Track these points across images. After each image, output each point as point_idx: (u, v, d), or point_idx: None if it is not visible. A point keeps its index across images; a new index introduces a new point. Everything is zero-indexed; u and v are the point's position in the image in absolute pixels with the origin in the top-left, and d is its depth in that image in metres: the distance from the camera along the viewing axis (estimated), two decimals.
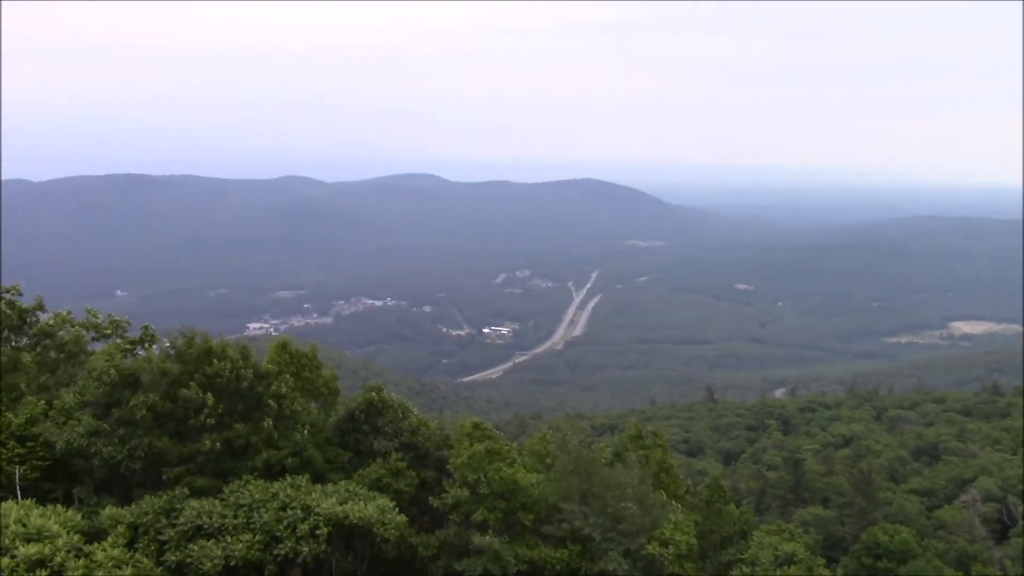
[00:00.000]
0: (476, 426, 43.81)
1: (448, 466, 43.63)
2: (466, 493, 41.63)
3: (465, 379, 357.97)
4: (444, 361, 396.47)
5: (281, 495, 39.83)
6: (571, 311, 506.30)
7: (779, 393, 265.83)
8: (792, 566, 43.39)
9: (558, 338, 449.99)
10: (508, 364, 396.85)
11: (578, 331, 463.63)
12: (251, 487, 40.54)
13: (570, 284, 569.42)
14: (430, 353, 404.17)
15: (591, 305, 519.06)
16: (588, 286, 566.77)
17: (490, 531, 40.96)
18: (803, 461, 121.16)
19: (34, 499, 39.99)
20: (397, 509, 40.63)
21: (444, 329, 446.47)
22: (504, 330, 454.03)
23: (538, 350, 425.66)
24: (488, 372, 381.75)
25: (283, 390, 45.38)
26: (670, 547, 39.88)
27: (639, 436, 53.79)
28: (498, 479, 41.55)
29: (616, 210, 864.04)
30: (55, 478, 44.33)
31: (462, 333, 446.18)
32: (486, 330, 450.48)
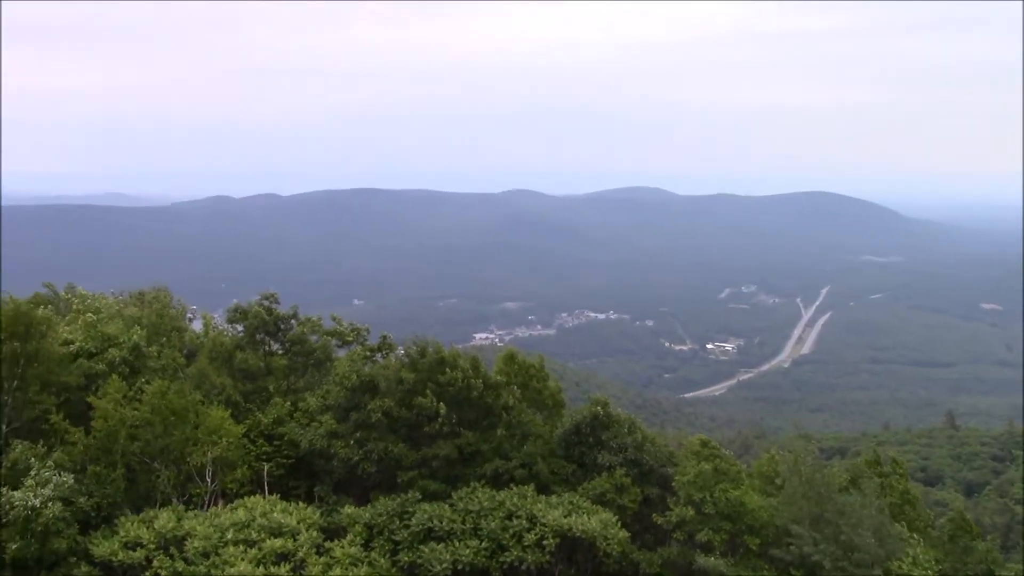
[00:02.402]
0: (704, 444, 43.12)
1: (673, 483, 43.11)
2: (691, 512, 41.02)
3: (687, 395, 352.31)
4: (666, 376, 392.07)
5: (508, 503, 40.62)
6: (799, 328, 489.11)
7: None
8: None
9: (785, 356, 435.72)
10: (732, 381, 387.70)
11: (806, 349, 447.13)
12: (479, 494, 41.58)
13: (798, 300, 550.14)
14: (652, 367, 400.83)
15: (821, 322, 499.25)
16: (818, 303, 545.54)
17: (715, 552, 40.16)
18: None
19: (279, 495, 42.68)
20: (620, 524, 40.60)
21: (667, 343, 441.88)
22: (728, 346, 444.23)
23: (763, 367, 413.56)
24: (711, 388, 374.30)
25: (511, 401, 46.34)
26: None
27: (877, 462, 51.10)
28: (725, 499, 40.68)
29: (848, 224, 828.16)
30: (298, 476, 47.10)
31: (685, 348, 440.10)
32: (709, 346, 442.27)
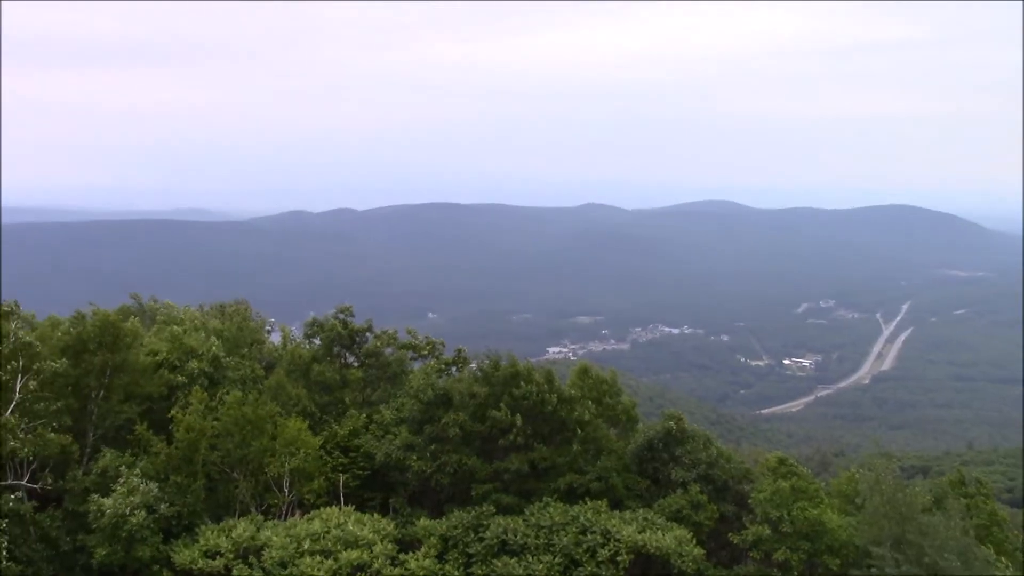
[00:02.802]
0: (781, 461, 42.44)
1: (749, 501, 42.52)
2: (767, 531, 40.40)
3: (763, 411, 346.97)
4: (742, 391, 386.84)
5: (581, 518, 40.48)
6: (879, 344, 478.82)
7: None
8: None
9: (864, 372, 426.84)
10: (810, 397, 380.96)
11: (886, 365, 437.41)
12: (552, 509, 41.51)
13: (878, 316, 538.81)
14: (727, 383, 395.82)
15: (901, 338, 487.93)
16: (898, 318, 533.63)
17: (792, 572, 39.47)
18: None
19: (354, 506, 43.14)
20: (695, 541, 40.13)
21: (742, 359, 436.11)
22: (805, 362, 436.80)
23: (842, 384, 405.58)
24: (788, 405, 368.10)
25: (586, 416, 46.22)
26: None
27: (961, 482, 49.57)
28: (803, 518, 39.99)
29: (930, 237, 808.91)
30: (373, 487, 47.55)
31: (761, 363, 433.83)
32: (786, 361, 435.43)
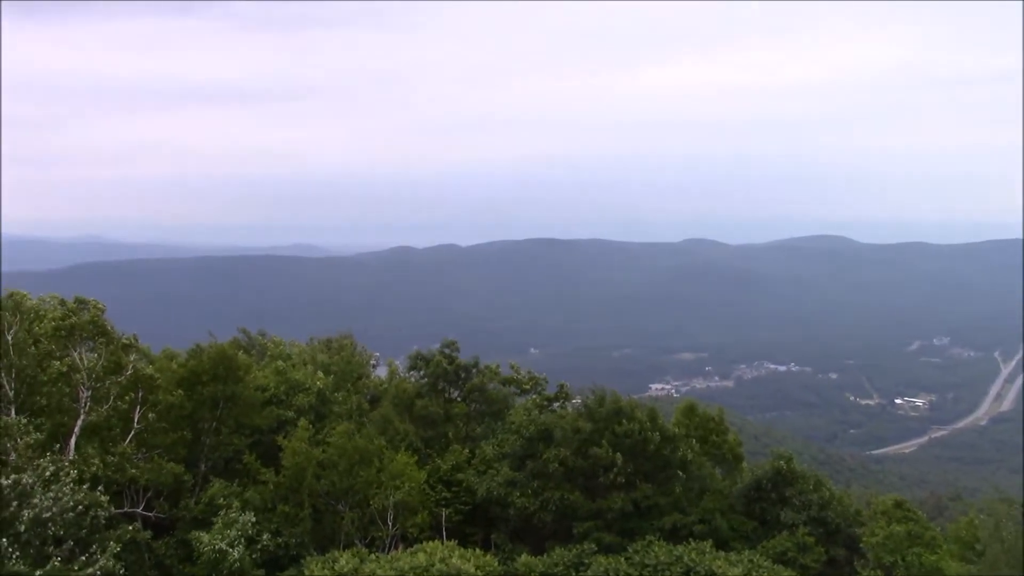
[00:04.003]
0: (898, 504, 41.07)
1: (861, 545, 41.16)
2: None
3: (874, 452, 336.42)
4: (851, 431, 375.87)
5: (685, 559, 39.74)
6: (998, 384, 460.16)
7: None
8: None
9: (982, 413, 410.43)
10: (923, 438, 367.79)
11: (1006, 406, 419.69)
12: (656, 548, 40.85)
13: (996, 354, 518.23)
14: (836, 422, 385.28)
15: (1022, 378, 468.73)
16: (1018, 356, 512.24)
17: None
18: None
19: (456, 541, 43.20)
20: None
21: (852, 397, 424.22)
22: (919, 401, 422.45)
23: (958, 425, 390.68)
24: (900, 446, 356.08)
25: (690, 455, 45.57)
26: None
27: None
28: (919, 564, 38.52)
29: None
30: (475, 522, 47.63)
31: (871, 403, 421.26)
32: (898, 400, 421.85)
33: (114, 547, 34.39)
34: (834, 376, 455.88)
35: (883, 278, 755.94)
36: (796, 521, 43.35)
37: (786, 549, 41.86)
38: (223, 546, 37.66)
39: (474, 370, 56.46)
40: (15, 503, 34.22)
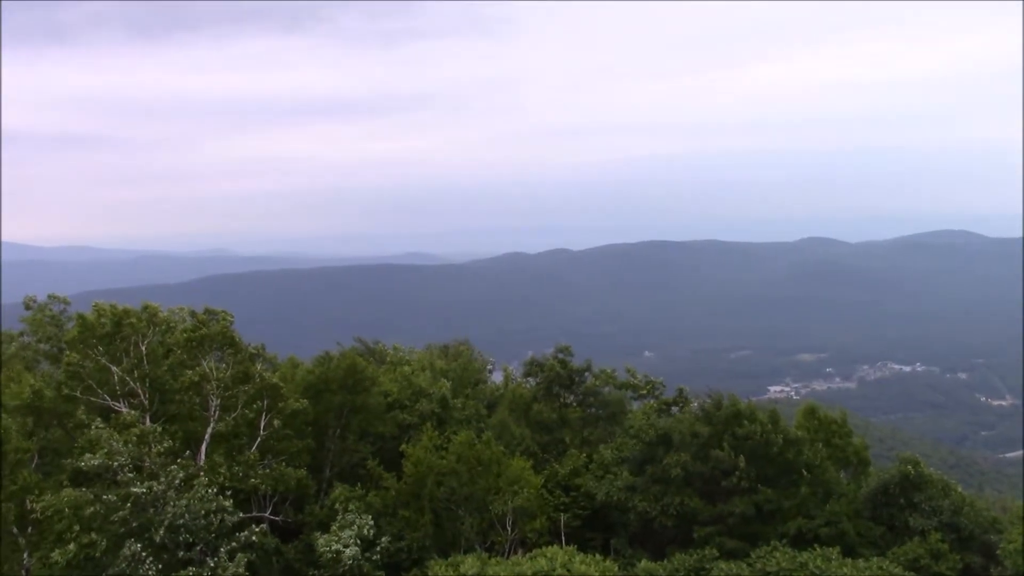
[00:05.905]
0: None
1: (998, 552, 39.63)
2: None
3: (1008, 455, 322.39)
4: (983, 433, 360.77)
5: (810, 565, 38.97)
6: None
7: None
8: None
9: None
10: None
11: None
12: (779, 554, 40.17)
13: None
14: (965, 423, 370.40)
15: None
16: None
17: None
18: None
19: (575, 546, 43.27)
20: None
21: (982, 398, 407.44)
22: None
23: None
24: None
25: (816, 459, 44.69)
26: None
27: None
28: None
29: None
30: (594, 527, 47.62)
31: (1004, 403, 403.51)
32: None
33: (242, 558, 35.57)
34: (963, 376, 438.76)
35: (1013, 273, 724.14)
36: (927, 527, 42.00)
37: (918, 556, 40.58)
38: (339, 547, 38.57)
39: (587, 374, 56.48)
40: (151, 509, 35.82)
